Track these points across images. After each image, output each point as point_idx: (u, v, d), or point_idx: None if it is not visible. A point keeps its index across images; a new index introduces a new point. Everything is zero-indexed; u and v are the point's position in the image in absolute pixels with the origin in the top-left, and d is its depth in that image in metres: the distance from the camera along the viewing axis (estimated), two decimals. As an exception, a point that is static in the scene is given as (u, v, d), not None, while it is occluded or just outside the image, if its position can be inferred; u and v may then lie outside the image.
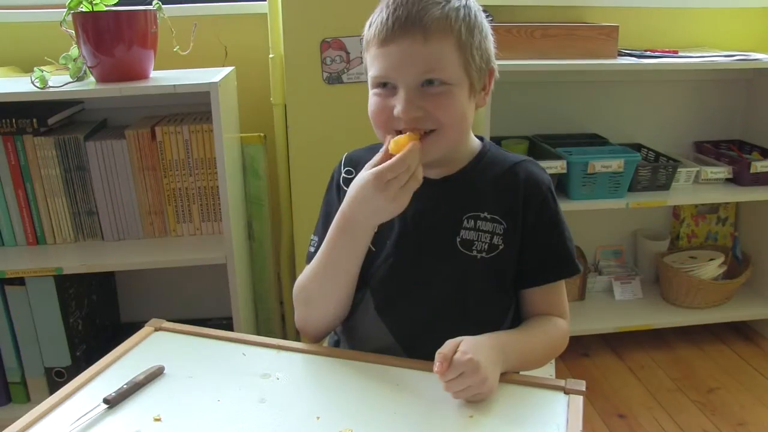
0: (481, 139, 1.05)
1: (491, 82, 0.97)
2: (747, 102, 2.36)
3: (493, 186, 0.98)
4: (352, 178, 1.02)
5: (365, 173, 0.89)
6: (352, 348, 1.05)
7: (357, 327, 1.03)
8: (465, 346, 0.84)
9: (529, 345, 0.96)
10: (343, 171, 1.06)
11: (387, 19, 0.88)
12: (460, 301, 0.98)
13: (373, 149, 1.05)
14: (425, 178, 0.97)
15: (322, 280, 0.99)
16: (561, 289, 1.02)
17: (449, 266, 0.97)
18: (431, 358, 0.89)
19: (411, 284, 0.99)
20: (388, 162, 0.86)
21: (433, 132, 0.91)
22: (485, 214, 0.97)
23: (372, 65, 0.92)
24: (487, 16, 0.96)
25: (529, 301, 1.01)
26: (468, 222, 0.97)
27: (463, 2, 0.91)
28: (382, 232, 1.00)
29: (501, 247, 0.97)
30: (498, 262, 0.97)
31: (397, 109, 0.89)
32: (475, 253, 0.96)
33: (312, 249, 1.05)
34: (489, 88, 0.97)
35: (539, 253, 0.98)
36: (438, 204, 0.98)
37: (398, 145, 0.88)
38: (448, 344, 0.85)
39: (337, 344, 1.11)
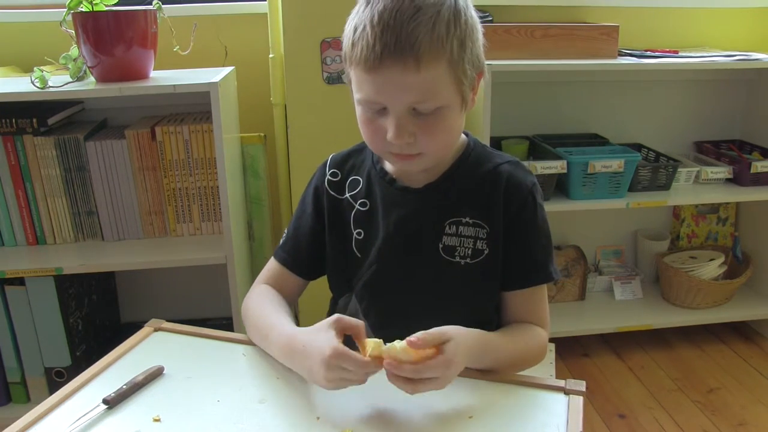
0: (466, 134, 1.02)
1: (479, 83, 0.93)
2: (747, 102, 2.36)
3: (475, 190, 0.96)
4: (338, 181, 1.03)
5: (331, 342, 0.81)
6: None
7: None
8: (453, 350, 0.80)
9: (507, 351, 0.93)
10: (328, 173, 1.04)
11: (374, 44, 0.81)
12: (444, 308, 0.97)
13: (358, 150, 1.05)
14: (405, 188, 0.97)
15: (260, 345, 0.97)
16: (540, 296, 0.99)
17: (432, 273, 0.97)
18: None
19: (394, 291, 0.99)
20: (355, 356, 0.80)
21: (419, 154, 0.89)
22: (467, 219, 0.95)
23: (359, 88, 0.87)
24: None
25: (506, 305, 1.00)
26: (450, 228, 0.96)
27: (453, 6, 0.85)
28: (368, 238, 1.00)
29: (486, 252, 0.95)
30: (483, 266, 0.95)
31: (389, 135, 0.86)
32: (458, 259, 0.95)
33: (281, 241, 1.07)
34: (477, 89, 0.93)
35: (513, 258, 0.96)
36: (420, 211, 0.97)
37: (374, 350, 0.80)
38: (434, 336, 0.81)
39: None
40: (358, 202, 1.01)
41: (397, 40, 0.81)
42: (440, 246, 0.96)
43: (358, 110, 0.91)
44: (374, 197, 1.00)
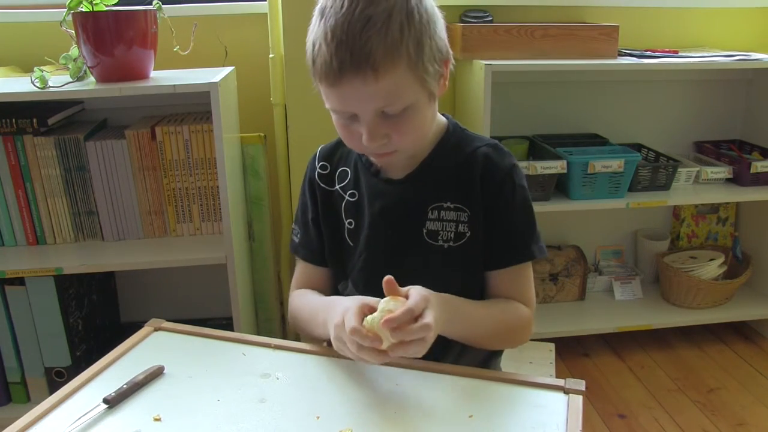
0: (447, 117, 1.04)
1: (447, 70, 0.93)
2: (747, 102, 2.36)
3: (454, 174, 0.99)
4: (328, 174, 1.06)
5: (355, 303, 0.86)
6: None
7: None
8: (417, 289, 0.86)
9: (477, 317, 0.96)
10: (317, 166, 1.07)
11: (330, 60, 0.83)
12: (433, 290, 0.98)
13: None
14: (388, 179, 1.01)
15: (309, 332, 1.03)
16: (523, 275, 1.02)
17: (418, 258, 0.99)
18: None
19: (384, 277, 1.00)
20: (353, 316, 0.84)
21: (396, 151, 0.92)
22: (448, 203, 0.98)
23: (326, 99, 0.89)
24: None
25: (490, 284, 1.02)
26: (432, 213, 0.99)
27: (404, 6, 0.84)
28: (358, 228, 1.03)
29: (468, 235, 0.98)
30: (466, 249, 0.98)
31: (363, 140, 0.89)
32: (441, 242, 0.98)
33: (296, 239, 1.10)
34: (446, 75, 0.93)
35: (495, 238, 0.99)
36: (402, 200, 1.00)
37: (371, 325, 0.83)
38: (405, 304, 0.84)
39: None
40: (348, 193, 1.04)
41: (352, 54, 0.81)
42: (424, 231, 0.99)
43: (333, 117, 0.94)
44: (361, 187, 1.03)
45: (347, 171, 1.04)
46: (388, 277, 0.85)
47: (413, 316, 0.82)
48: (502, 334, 1.00)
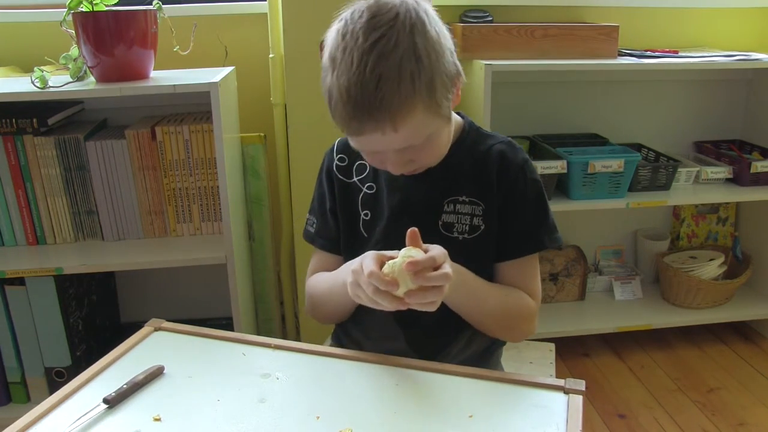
0: (462, 116, 1.07)
1: (459, 85, 0.93)
2: (747, 102, 2.36)
3: (471, 170, 1.02)
4: (345, 166, 1.08)
5: (370, 254, 0.88)
6: (357, 325, 1.09)
7: (359, 307, 1.05)
8: (448, 267, 0.87)
9: (482, 292, 0.99)
10: (336, 158, 1.09)
11: (349, 119, 0.85)
12: None
13: None
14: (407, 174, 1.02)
15: (328, 301, 1.06)
16: (529, 265, 1.05)
17: None
18: (427, 332, 0.94)
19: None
20: (371, 260, 0.87)
21: (420, 166, 0.96)
22: (464, 197, 1.01)
23: (349, 139, 0.92)
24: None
25: (498, 275, 1.05)
26: (448, 206, 1.02)
27: (411, 46, 0.83)
28: (374, 219, 1.05)
29: (482, 228, 1.01)
30: (479, 241, 1.01)
31: (389, 169, 0.94)
32: (456, 234, 1.01)
33: (311, 229, 1.12)
34: (459, 88, 0.93)
35: (507, 231, 1.02)
36: (421, 193, 1.02)
37: (392, 270, 0.85)
38: (425, 258, 0.86)
39: (340, 342, 1.12)
40: (366, 185, 1.06)
41: (369, 114, 0.83)
42: (440, 223, 1.02)
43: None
44: (380, 180, 1.05)
45: (365, 165, 1.06)
46: (412, 229, 0.88)
47: (434, 265, 0.85)
48: (504, 317, 1.02)
